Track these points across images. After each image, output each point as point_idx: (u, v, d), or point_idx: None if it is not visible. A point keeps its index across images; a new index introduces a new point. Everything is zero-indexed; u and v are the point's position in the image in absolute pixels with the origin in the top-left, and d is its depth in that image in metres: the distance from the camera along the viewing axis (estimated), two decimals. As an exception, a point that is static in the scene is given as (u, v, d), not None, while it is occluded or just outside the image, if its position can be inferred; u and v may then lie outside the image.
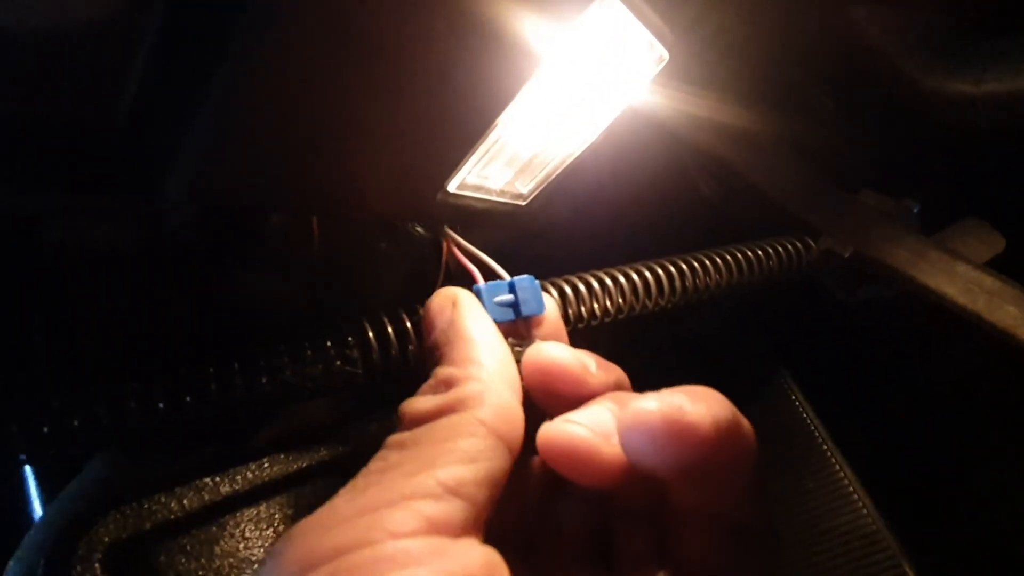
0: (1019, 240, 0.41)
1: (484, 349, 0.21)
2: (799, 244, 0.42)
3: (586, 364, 0.23)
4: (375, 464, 0.18)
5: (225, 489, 0.27)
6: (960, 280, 0.37)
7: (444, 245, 0.27)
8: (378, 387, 0.26)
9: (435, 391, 0.20)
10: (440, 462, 0.18)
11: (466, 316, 0.22)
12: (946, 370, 0.40)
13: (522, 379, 0.22)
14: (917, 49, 0.38)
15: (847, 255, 0.41)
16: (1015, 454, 0.37)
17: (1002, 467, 0.37)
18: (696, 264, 0.36)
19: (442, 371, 0.21)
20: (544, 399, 0.22)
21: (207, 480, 0.27)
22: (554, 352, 0.22)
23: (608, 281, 0.32)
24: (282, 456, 0.28)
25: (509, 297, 0.24)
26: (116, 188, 0.22)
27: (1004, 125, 0.38)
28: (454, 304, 0.23)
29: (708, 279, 0.36)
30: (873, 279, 0.41)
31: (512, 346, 0.23)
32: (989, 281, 0.36)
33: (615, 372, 0.24)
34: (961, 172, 0.43)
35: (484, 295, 0.24)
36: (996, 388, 0.37)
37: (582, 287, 0.31)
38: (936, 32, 0.38)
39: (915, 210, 0.43)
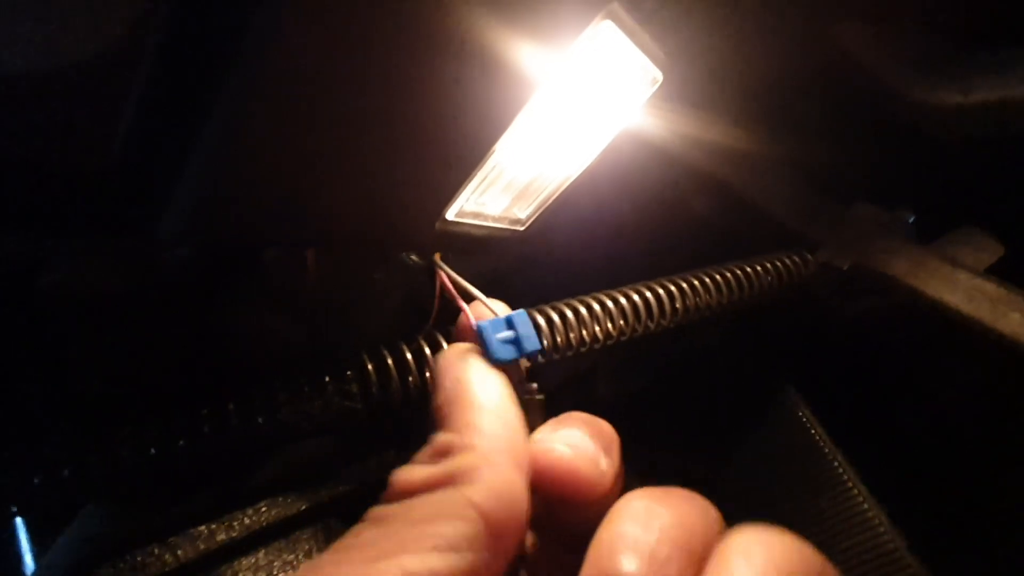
0: (1017, 247, 0.41)
1: (488, 414, 0.19)
2: (797, 258, 0.42)
3: (597, 460, 0.19)
4: (345, 540, 0.16)
5: (221, 537, 0.26)
6: (962, 288, 0.37)
7: (438, 275, 0.27)
8: (379, 422, 0.25)
9: (429, 460, 0.18)
10: (413, 547, 0.15)
11: (473, 375, 0.20)
12: (955, 381, 0.40)
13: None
14: (904, 63, 0.39)
15: (846, 267, 0.41)
16: None
17: (1022, 480, 0.37)
18: (696, 283, 0.36)
19: (439, 437, 0.18)
20: (548, 494, 0.20)
21: (202, 528, 0.26)
22: (564, 451, 0.19)
23: (609, 303, 0.32)
24: (280, 499, 0.27)
25: (510, 333, 0.21)
26: (109, 230, 0.22)
27: (994, 134, 0.39)
28: (462, 361, 0.20)
29: (709, 297, 0.36)
30: (871, 290, 0.41)
31: (522, 395, 0.20)
32: (991, 288, 0.36)
33: (615, 449, 0.21)
34: (954, 181, 0.44)
35: (487, 333, 0.21)
36: (1006, 397, 0.37)
37: (583, 311, 0.31)
38: (922, 46, 0.38)
39: (910, 220, 0.43)
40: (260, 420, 0.22)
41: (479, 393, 0.19)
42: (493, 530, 0.16)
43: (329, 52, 0.18)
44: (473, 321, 0.22)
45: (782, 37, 0.35)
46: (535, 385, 0.22)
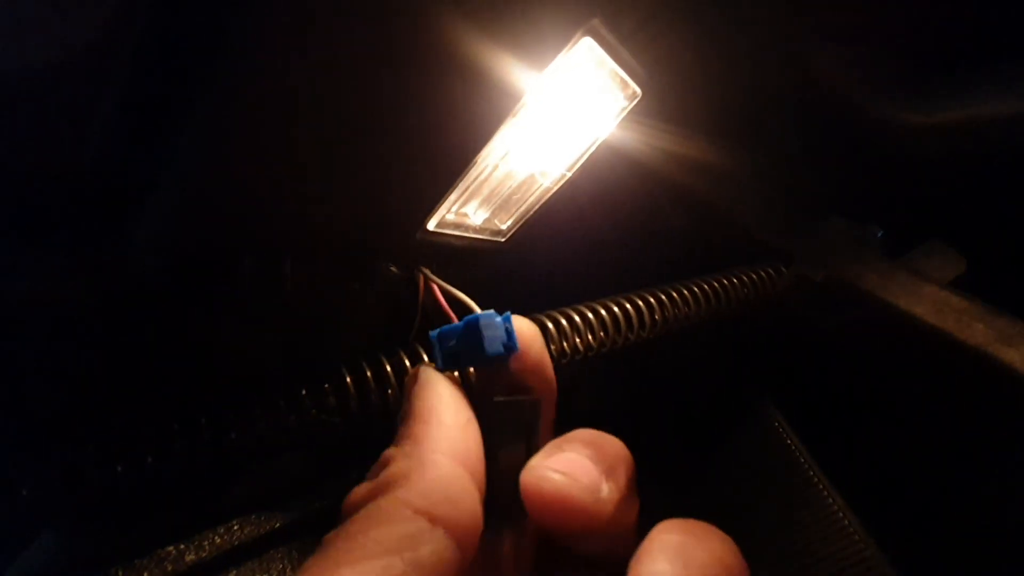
0: (978, 260, 0.43)
1: (424, 422, 0.19)
2: (772, 271, 0.42)
3: (595, 487, 0.19)
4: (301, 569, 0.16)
5: (190, 558, 0.25)
6: (929, 300, 0.38)
7: (420, 285, 0.27)
8: (359, 436, 0.25)
9: (372, 475, 0.18)
10: (347, 559, 0.15)
11: (420, 390, 0.20)
12: (925, 391, 0.41)
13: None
14: (872, 84, 0.40)
15: (819, 280, 0.42)
16: (1004, 473, 0.37)
17: (992, 489, 0.38)
18: (675, 295, 0.36)
19: (385, 452, 0.19)
20: (545, 525, 0.19)
21: (170, 549, 0.25)
22: (556, 481, 0.18)
23: (589, 315, 0.32)
24: (253, 517, 0.26)
25: (471, 338, 0.20)
26: (79, 237, 0.21)
27: (956, 152, 0.40)
28: (417, 378, 0.20)
29: (687, 309, 0.36)
30: (844, 303, 0.42)
31: (489, 399, 0.20)
32: (956, 300, 0.37)
33: (623, 469, 0.20)
34: (919, 197, 0.45)
35: (434, 343, 0.21)
36: (974, 406, 0.38)
37: (564, 322, 0.31)
38: (890, 68, 0.40)
39: (879, 234, 0.44)
40: (233, 435, 0.21)
41: (419, 405, 0.19)
42: (435, 523, 0.16)
43: (309, 61, 0.18)
44: (455, 323, 0.21)
45: (756, 56, 0.36)
46: (499, 395, 0.21)
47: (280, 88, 0.19)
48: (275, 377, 0.25)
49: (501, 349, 0.20)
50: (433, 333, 0.21)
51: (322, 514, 0.28)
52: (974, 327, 0.35)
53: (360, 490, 0.18)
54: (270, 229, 0.24)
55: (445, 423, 0.19)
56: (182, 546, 0.25)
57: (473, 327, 0.20)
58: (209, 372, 0.27)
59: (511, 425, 0.20)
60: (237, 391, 0.24)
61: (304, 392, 0.23)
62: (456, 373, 0.21)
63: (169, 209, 0.21)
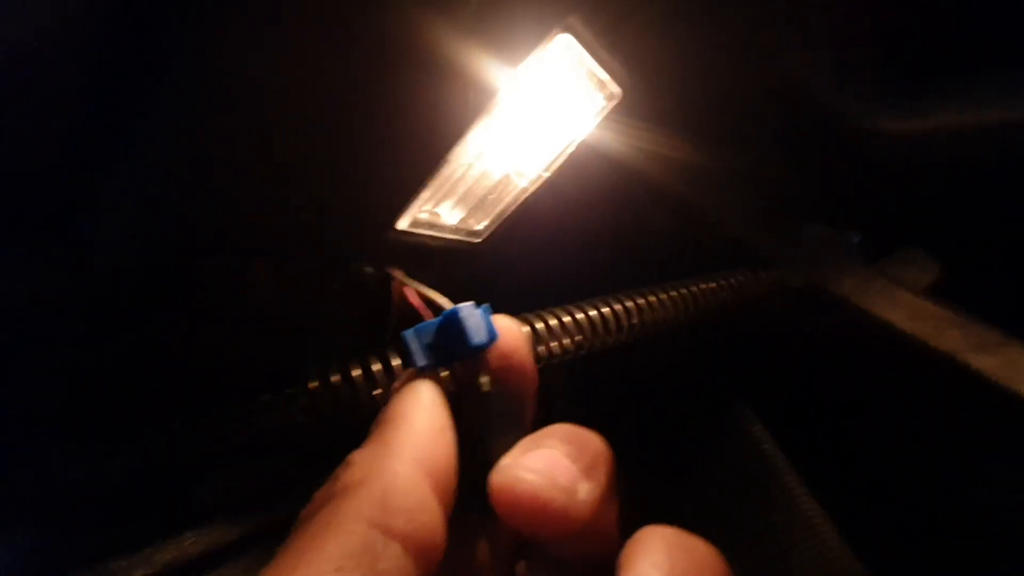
0: (953, 267, 0.43)
1: (394, 424, 0.18)
2: (751, 275, 0.42)
3: (572, 488, 0.18)
4: None
5: (156, 565, 0.24)
6: (905, 307, 0.38)
7: (394, 286, 0.26)
8: (331, 439, 0.24)
9: (333, 478, 0.17)
10: (296, 574, 0.14)
11: (400, 394, 0.19)
12: (902, 396, 0.41)
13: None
14: (848, 89, 0.40)
15: (797, 285, 0.42)
16: (979, 479, 0.38)
17: (967, 494, 0.38)
18: (653, 298, 0.36)
19: (350, 455, 0.18)
20: (520, 528, 0.18)
21: (137, 555, 0.24)
22: (530, 481, 0.17)
23: (566, 318, 0.31)
24: (220, 523, 0.25)
25: (444, 336, 0.20)
26: (37, 234, 0.20)
27: (930, 159, 0.41)
28: (400, 384, 0.20)
29: (666, 312, 0.36)
30: (823, 308, 0.42)
31: (476, 389, 0.19)
32: (932, 308, 0.38)
33: (603, 467, 0.19)
34: (896, 204, 0.46)
35: (411, 341, 0.20)
36: (949, 412, 0.38)
37: (540, 325, 0.30)
38: (866, 73, 0.40)
39: (856, 240, 0.45)
40: (201, 439, 0.21)
41: (394, 408, 0.18)
42: (387, 534, 0.15)
43: (276, 56, 0.18)
44: (405, 331, 0.20)
45: (734, 61, 0.36)
46: (485, 379, 0.20)
47: (246, 84, 0.18)
48: (245, 381, 0.24)
49: (485, 338, 0.20)
50: (407, 332, 0.20)
51: (292, 521, 0.27)
52: (949, 334, 0.36)
53: (319, 494, 0.17)
54: (238, 229, 0.24)
55: (416, 428, 0.18)
56: (149, 549, 0.24)
57: (454, 319, 0.20)
58: (174, 376, 0.27)
59: (498, 417, 0.20)
60: (206, 395, 0.23)
61: (274, 396, 0.23)
62: (441, 373, 0.20)
63: (130, 208, 0.20)
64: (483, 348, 0.20)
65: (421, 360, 0.20)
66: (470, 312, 0.20)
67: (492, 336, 0.20)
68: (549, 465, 0.18)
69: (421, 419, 0.18)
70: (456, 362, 0.20)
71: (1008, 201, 0.41)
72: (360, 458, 0.17)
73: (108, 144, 0.19)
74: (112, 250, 0.23)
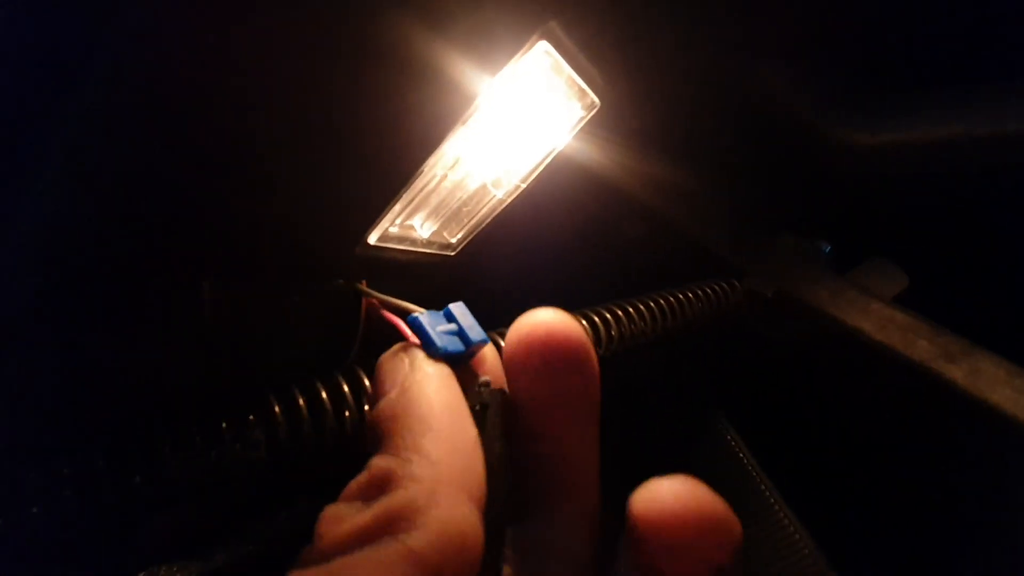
0: (920, 276, 0.44)
1: (436, 434, 0.15)
2: (726, 286, 0.42)
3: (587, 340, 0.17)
4: None
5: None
6: (875, 317, 0.39)
7: (363, 303, 0.25)
8: (289, 472, 0.22)
9: (364, 494, 0.15)
10: None
11: (421, 381, 0.16)
12: (873, 404, 0.41)
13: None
14: (818, 103, 0.41)
15: (770, 295, 0.42)
16: (951, 486, 0.38)
17: (941, 501, 0.38)
18: (631, 310, 0.35)
19: (378, 462, 0.15)
20: (537, 394, 0.16)
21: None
22: (554, 317, 0.16)
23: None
24: (163, 570, 0.23)
25: (453, 326, 0.19)
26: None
27: (898, 171, 0.41)
28: (409, 363, 0.17)
29: (643, 324, 0.36)
30: (795, 317, 0.43)
31: (473, 399, 0.17)
32: (901, 317, 0.38)
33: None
34: (865, 214, 0.46)
35: (426, 326, 0.18)
36: (918, 420, 0.39)
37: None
38: (836, 88, 0.40)
39: (826, 250, 0.45)
40: (137, 479, 0.19)
41: (425, 405, 0.16)
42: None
43: (235, 53, 0.16)
44: (424, 320, 0.19)
45: (707, 74, 0.36)
46: (487, 378, 0.19)
47: (199, 80, 0.16)
48: (192, 410, 0.22)
49: (483, 335, 0.19)
50: (418, 315, 0.19)
51: (246, 563, 0.25)
52: (918, 344, 0.36)
53: (349, 521, 0.14)
54: (188, 244, 0.22)
55: (461, 442, 0.15)
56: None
57: (449, 316, 0.19)
58: (109, 406, 0.24)
59: (502, 421, 0.18)
60: (144, 427, 0.21)
61: (225, 426, 0.21)
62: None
63: (56, 213, 0.18)
64: (479, 346, 0.19)
65: (434, 349, 0.18)
66: (462, 311, 0.19)
67: (463, 343, 0.19)
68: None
69: (461, 426, 0.16)
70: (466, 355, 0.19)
71: (973, 212, 0.43)
72: (404, 474, 0.14)
73: (27, 144, 0.17)
74: (34, 268, 0.21)
